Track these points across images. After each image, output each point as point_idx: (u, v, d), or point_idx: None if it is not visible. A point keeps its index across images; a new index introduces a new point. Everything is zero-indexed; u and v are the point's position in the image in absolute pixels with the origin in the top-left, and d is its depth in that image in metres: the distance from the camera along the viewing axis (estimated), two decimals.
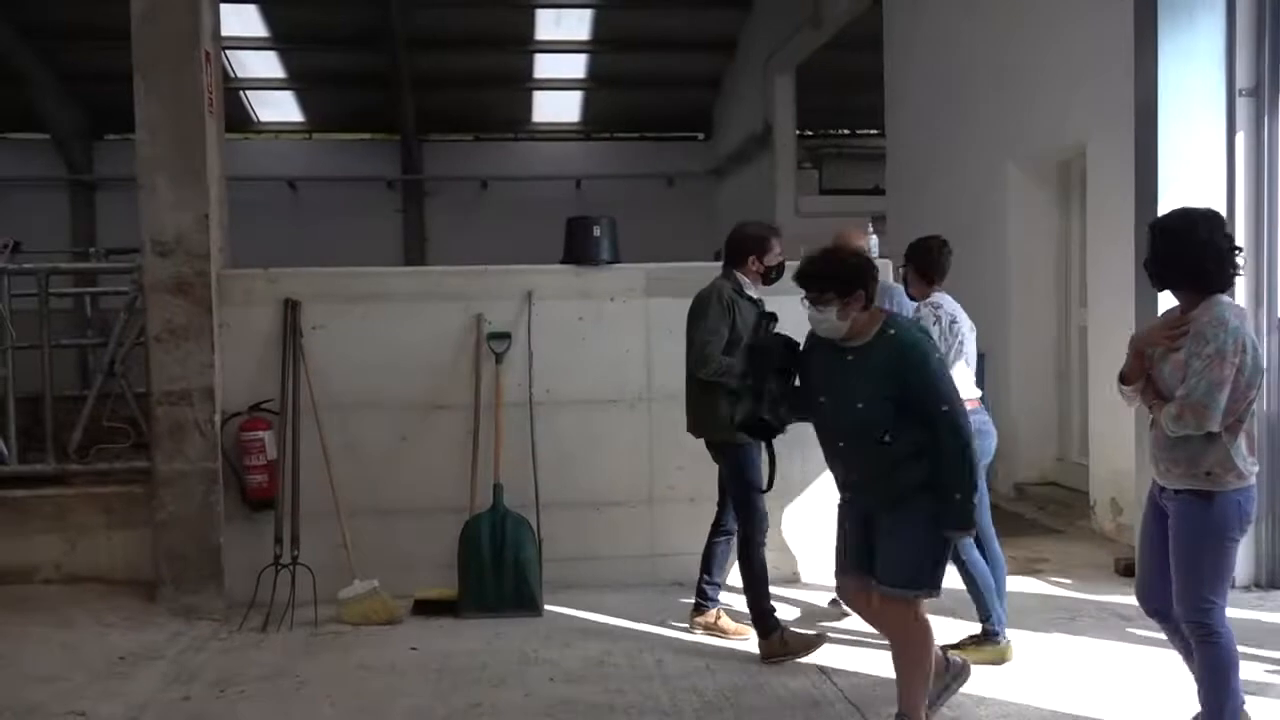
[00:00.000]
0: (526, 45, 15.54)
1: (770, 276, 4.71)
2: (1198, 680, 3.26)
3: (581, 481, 5.59)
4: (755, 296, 4.65)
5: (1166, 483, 3.23)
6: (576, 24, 14.94)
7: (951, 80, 8.93)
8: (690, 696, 4.11)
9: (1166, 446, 3.18)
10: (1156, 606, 3.36)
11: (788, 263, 4.54)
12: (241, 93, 15.74)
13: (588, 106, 17.43)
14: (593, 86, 16.84)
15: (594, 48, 15.62)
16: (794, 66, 13.89)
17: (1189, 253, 3.16)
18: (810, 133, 16.08)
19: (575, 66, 16.32)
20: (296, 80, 15.96)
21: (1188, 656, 3.33)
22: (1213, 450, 3.10)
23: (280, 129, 17.09)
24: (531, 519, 5.28)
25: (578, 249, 5.75)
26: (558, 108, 17.40)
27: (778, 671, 4.35)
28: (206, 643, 4.85)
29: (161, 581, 5.28)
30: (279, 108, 16.61)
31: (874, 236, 6.08)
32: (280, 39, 14.50)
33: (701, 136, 18.03)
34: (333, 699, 4.16)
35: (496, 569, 5.18)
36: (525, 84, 16.72)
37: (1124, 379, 3.34)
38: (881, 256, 5.86)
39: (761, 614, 4.52)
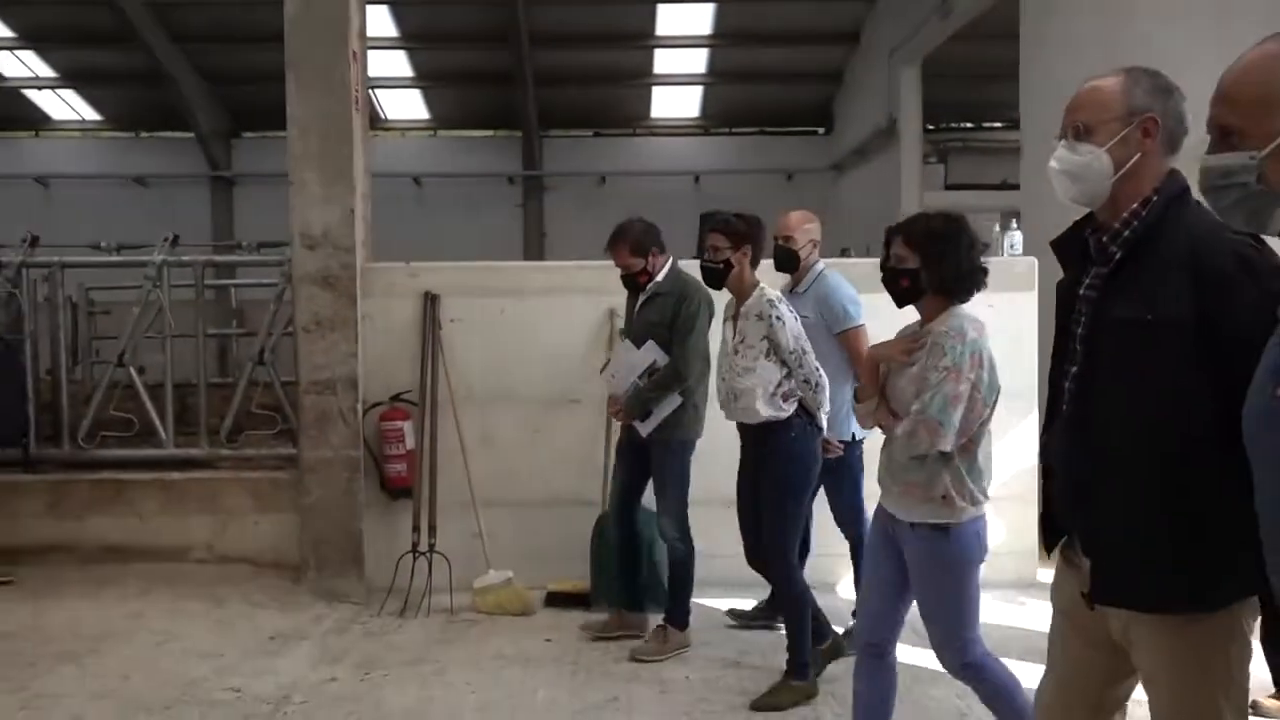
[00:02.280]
0: (647, 41, 15.55)
1: (625, 284, 4.71)
2: (994, 712, 3.03)
3: (712, 478, 5.52)
4: (638, 298, 4.69)
5: (899, 513, 2.93)
6: (698, 18, 14.89)
7: (1093, 72, 8.54)
8: (829, 701, 4.03)
9: (900, 470, 2.91)
10: (879, 640, 3.06)
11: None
12: (371, 91, 16.20)
13: (707, 101, 17.35)
14: (713, 81, 16.75)
15: (715, 42, 15.53)
16: (920, 58, 13.55)
17: (951, 259, 2.85)
18: (934, 126, 15.67)
19: (696, 61, 16.26)
20: (423, 79, 16.33)
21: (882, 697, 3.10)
22: (946, 472, 2.82)
23: (407, 127, 17.53)
24: None
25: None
26: (677, 103, 17.39)
27: (921, 680, 4.23)
28: (349, 625, 4.99)
29: (305, 565, 5.46)
30: (406, 106, 17.03)
31: (1017, 234, 5.88)
32: (409, 38, 14.85)
33: (822, 131, 17.75)
34: (473, 686, 4.22)
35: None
36: (645, 80, 16.74)
37: (857, 396, 3.13)
38: (1025, 254, 5.67)
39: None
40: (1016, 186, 11.71)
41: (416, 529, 5.31)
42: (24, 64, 15.76)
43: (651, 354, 4.56)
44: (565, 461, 5.50)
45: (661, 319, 4.55)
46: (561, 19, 14.74)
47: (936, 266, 2.85)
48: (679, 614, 4.61)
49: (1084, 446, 2.06)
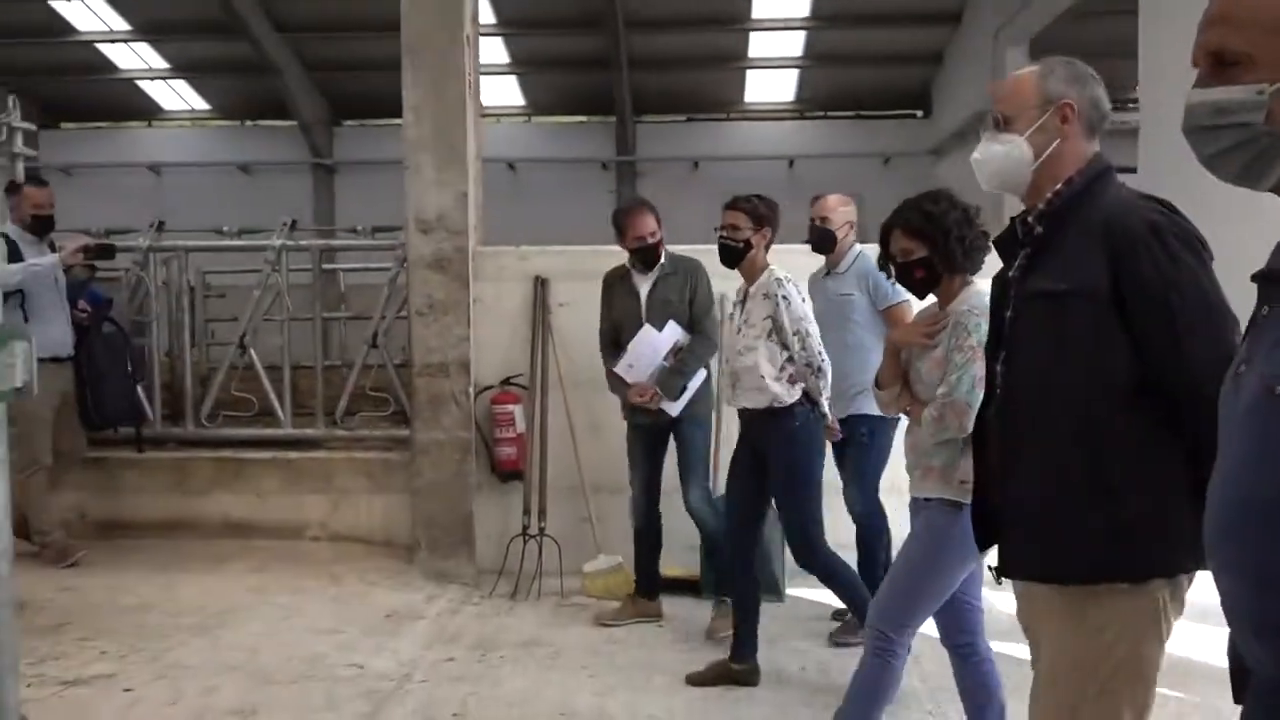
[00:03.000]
0: (743, 23, 15.38)
1: (637, 260, 4.68)
2: (850, 695, 2.97)
3: None
4: (645, 280, 4.69)
5: (919, 491, 2.88)
6: (795, 1, 14.67)
7: None
8: (947, 696, 3.92)
9: (924, 452, 2.85)
10: (963, 642, 3.02)
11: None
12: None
13: (803, 85, 17.10)
14: (809, 64, 16.49)
15: (812, 24, 15.29)
16: (1028, 38, 13.11)
17: (955, 234, 2.79)
18: None
19: (791, 44, 16.03)
20: (519, 65, 16.43)
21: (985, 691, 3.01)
22: (968, 456, 2.59)
23: (502, 113, 17.67)
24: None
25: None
26: (771, 87, 17.18)
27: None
28: (461, 606, 5.05)
29: (417, 545, 5.53)
30: (502, 92, 17.16)
31: None
32: (506, 24, 14.95)
33: (920, 114, 17.36)
34: (589, 670, 4.22)
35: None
36: (739, 63, 16.58)
37: (878, 383, 3.02)
38: None
39: None
40: (1130, 169, 11.33)
41: (527, 512, 5.34)
42: (139, 56, 16.32)
43: (675, 333, 4.59)
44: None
45: (680, 297, 4.62)
46: (657, 3, 14.67)
47: (945, 247, 2.81)
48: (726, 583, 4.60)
49: (1007, 422, 2.09)
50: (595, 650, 4.45)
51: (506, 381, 5.55)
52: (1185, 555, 1.89)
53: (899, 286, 4.25)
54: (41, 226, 5.43)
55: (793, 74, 16.92)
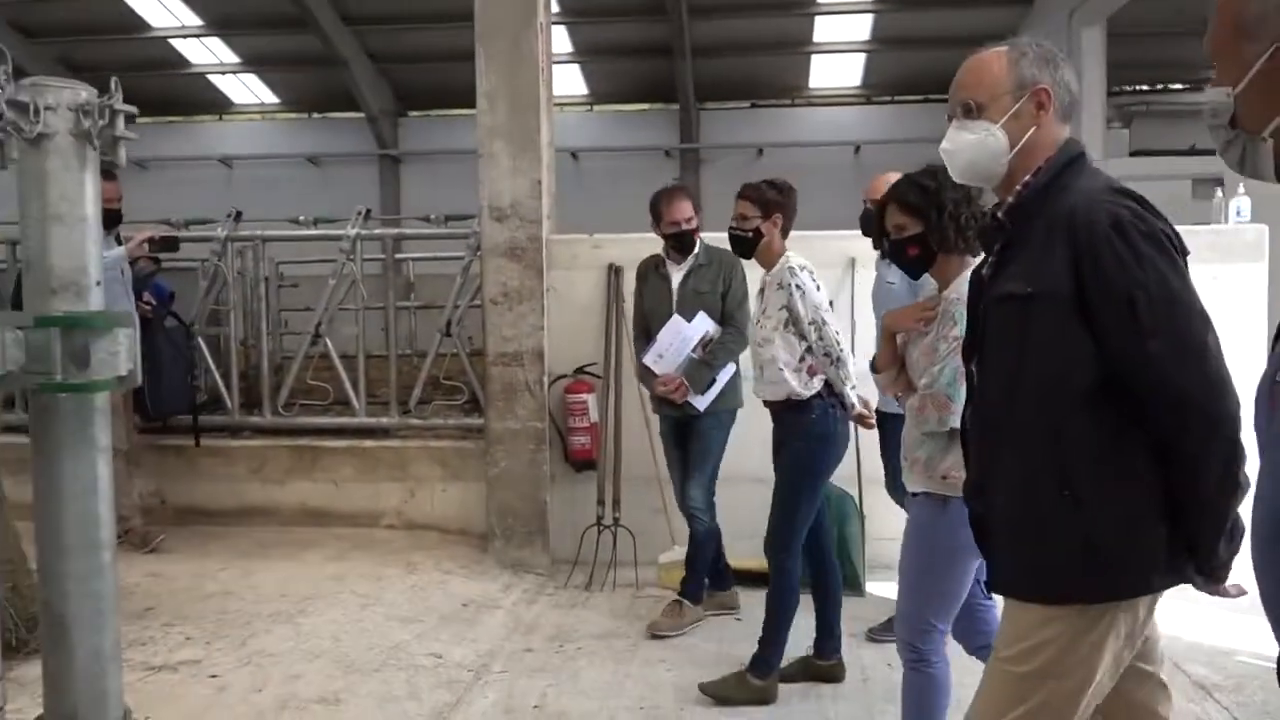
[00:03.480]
0: (808, 8, 15.16)
1: (671, 246, 4.59)
2: (902, 713, 2.83)
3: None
4: (678, 270, 4.59)
5: (908, 484, 2.77)
6: None
7: None
8: None
9: (911, 444, 2.74)
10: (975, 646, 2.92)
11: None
12: None
13: (870, 69, 16.81)
14: (876, 48, 16.21)
15: (879, 6, 15.02)
16: (1104, 17, 12.73)
17: (951, 210, 2.66)
18: (1116, 89, 14.73)
19: (858, 28, 15.77)
20: (582, 54, 16.39)
21: None
22: (953, 451, 2.53)
23: (565, 102, 17.65)
24: (854, 494, 5.09)
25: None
26: (837, 71, 16.92)
27: None
28: (536, 596, 5.03)
29: (492, 534, 5.53)
30: (565, 81, 17.14)
31: (1244, 199, 5.42)
32: (569, 14, 14.91)
33: None
34: (667, 664, 4.17)
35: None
36: (805, 48, 16.35)
37: (874, 366, 2.90)
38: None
39: None
40: (1209, 152, 10.94)
41: (601, 502, 5.30)
42: (210, 51, 16.60)
43: (705, 325, 4.49)
44: (750, 437, 5.36)
45: (713, 288, 4.51)
46: None
47: (938, 223, 2.68)
48: (696, 589, 4.61)
49: (979, 427, 2.04)
50: (673, 644, 4.40)
51: (580, 370, 5.51)
52: (1152, 575, 1.85)
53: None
54: (109, 219, 5.50)
55: (859, 58, 16.65)
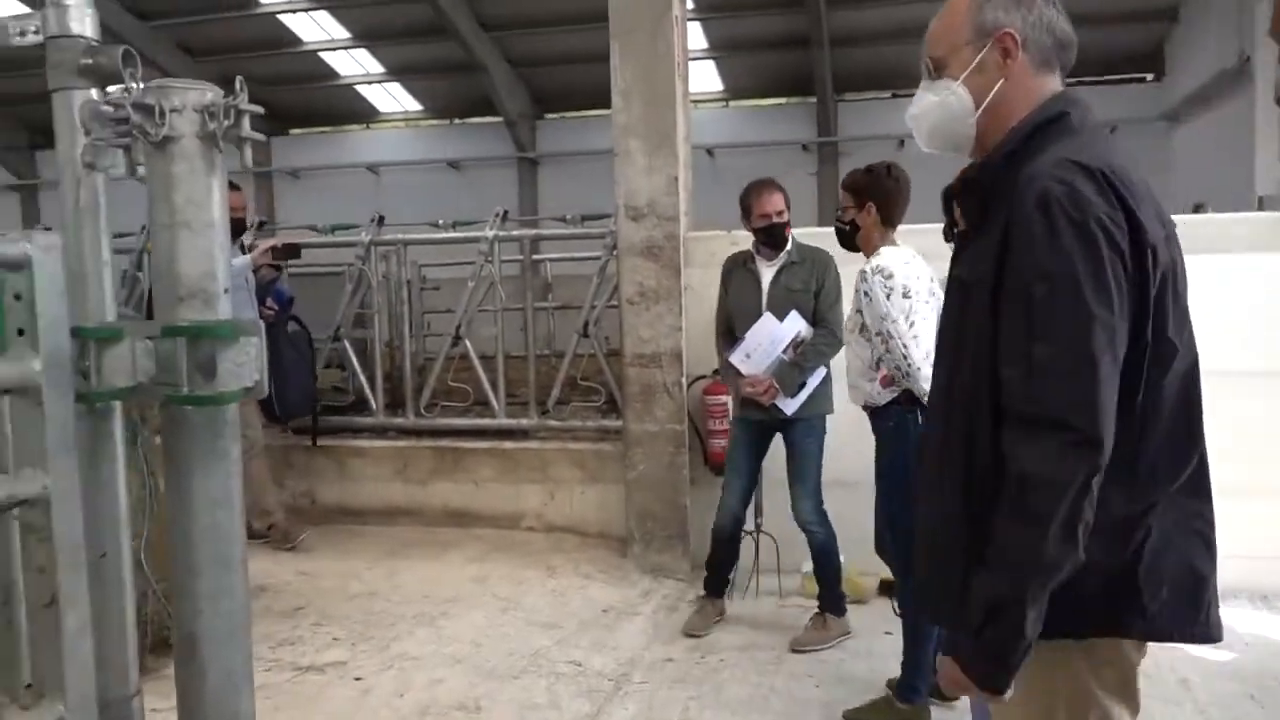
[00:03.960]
0: None
1: (761, 241, 4.38)
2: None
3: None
4: (769, 266, 4.36)
5: None
6: None
7: None
8: None
9: None
10: None
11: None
12: None
13: None
14: None
15: None
16: None
17: None
18: None
19: None
20: (716, 49, 16.23)
21: None
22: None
23: (700, 99, 17.52)
24: None
25: None
26: None
27: None
28: (677, 603, 4.90)
29: (631, 538, 5.43)
30: (700, 78, 17.01)
31: None
32: (704, 9, 14.77)
33: (1150, 77, 15.97)
34: (814, 679, 3.98)
35: None
36: None
37: None
38: None
39: None
40: None
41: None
42: (357, 62, 17.20)
43: (796, 324, 4.28)
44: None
45: (806, 286, 4.30)
46: None
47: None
48: (834, 599, 4.39)
49: (925, 431, 1.85)
50: (820, 658, 4.20)
51: (719, 371, 5.35)
52: (1081, 616, 1.55)
53: None
54: (234, 228, 5.67)
55: None
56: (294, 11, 15.61)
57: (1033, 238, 1.50)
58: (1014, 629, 1.48)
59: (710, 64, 16.82)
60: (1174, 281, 1.57)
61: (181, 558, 1.54)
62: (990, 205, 1.62)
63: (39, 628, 1.43)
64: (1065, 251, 1.47)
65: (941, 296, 3.33)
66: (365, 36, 16.39)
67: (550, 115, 18.06)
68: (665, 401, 5.36)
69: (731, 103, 17.72)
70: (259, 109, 1.52)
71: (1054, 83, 1.69)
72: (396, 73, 17.59)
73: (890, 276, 3.47)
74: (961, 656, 1.55)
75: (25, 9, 12.02)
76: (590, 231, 6.44)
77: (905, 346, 3.43)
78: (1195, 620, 1.60)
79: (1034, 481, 1.46)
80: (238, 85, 1.49)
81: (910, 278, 3.49)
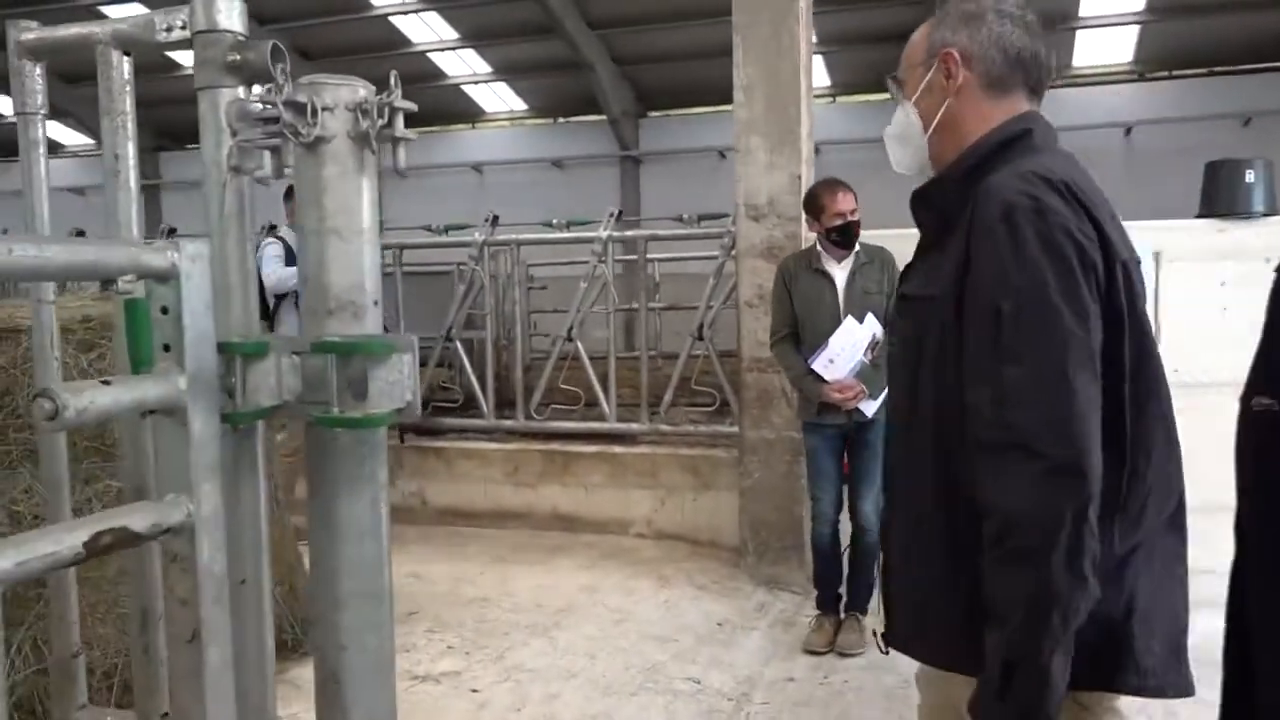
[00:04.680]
0: None
1: (833, 240, 4.25)
2: None
3: (1208, 481, 4.63)
4: (840, 267, 4.28)
5: None
6: None
7: None
8: None
9: None
10: None
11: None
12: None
13: (1143, 42, 15.34)
14: (1152, 19, 14.76)
15: None
16: None
17: None
18: None
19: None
20: (825, 43, 15.90)
21: None
22: None
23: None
24: None
25: (1223, 199, 4.78)
26: (1106, 47, 15.55)
27: None
28: (794, 618, 4.72)
29: (744, 548, 5.26)
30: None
31: None
32: (816, 3, 14.46)
33: None
34: None
35: None
36: (1068, 24, 15.12)
37: None
38: None
39: None
40: None
41: None
42: (464, 62, 17.36)
43: (873, 326, 4.18)
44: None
45: (879, 288, 4.21)
46: None
47: None
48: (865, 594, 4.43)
49: (886, 452, 1.79)
50: None
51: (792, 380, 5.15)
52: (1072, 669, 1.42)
53: None
54: None
55: (1132, 31, 15.22)
56: (405, 13, 15.82)
57: (997, 251, 1.41)
58: (1039, 683, 1.35)
59: (819, 59, 16.48)
60: (1142, 302, 1.52)
61: (325, 591, 1.44)
62: (950, 221, 1.55)
63: (180, 661, 1.34)
64: (1032, 264, 1.39)
65: None
66: (473, 37, 16.52)
67: (653, 113, 17.95)
68: (783, 408, 5.17)
69: (839, 98, 17.33)
70: (412, 105, 1.41)
71: (1016, 102, 1.62)
72: (502, 72, 17.70)
73: None
74: (990, 717, 1.42)
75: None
76: (708, 231, 6.28)
77: None
78: (1180, 673, 1.52)
79: (1014, 519, 1.35)
80: (391, 81, 1.39)
81: None
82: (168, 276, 1.28)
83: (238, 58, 1.47)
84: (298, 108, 1.35)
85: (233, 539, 1.44)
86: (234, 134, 1.46)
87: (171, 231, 9.35)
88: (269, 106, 1.37)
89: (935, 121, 1.63)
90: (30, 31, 1.63)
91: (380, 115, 1.38)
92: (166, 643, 1.36)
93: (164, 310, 1.29)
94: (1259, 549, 1.09)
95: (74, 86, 16.22)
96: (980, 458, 1.39)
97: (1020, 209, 1.41)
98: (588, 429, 6.17)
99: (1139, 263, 1.53)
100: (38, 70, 1.65)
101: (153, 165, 20.28)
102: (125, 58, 1.58)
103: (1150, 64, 15.76)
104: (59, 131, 19.92)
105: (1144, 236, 4.75)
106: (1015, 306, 1.38)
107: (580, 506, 5.89)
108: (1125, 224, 4.41)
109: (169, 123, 17.70)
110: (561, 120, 18.65)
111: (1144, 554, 1.48)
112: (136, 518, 1.23)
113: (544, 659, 4.11)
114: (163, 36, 1.52)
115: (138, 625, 1.58)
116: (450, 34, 16.48)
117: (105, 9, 15.11)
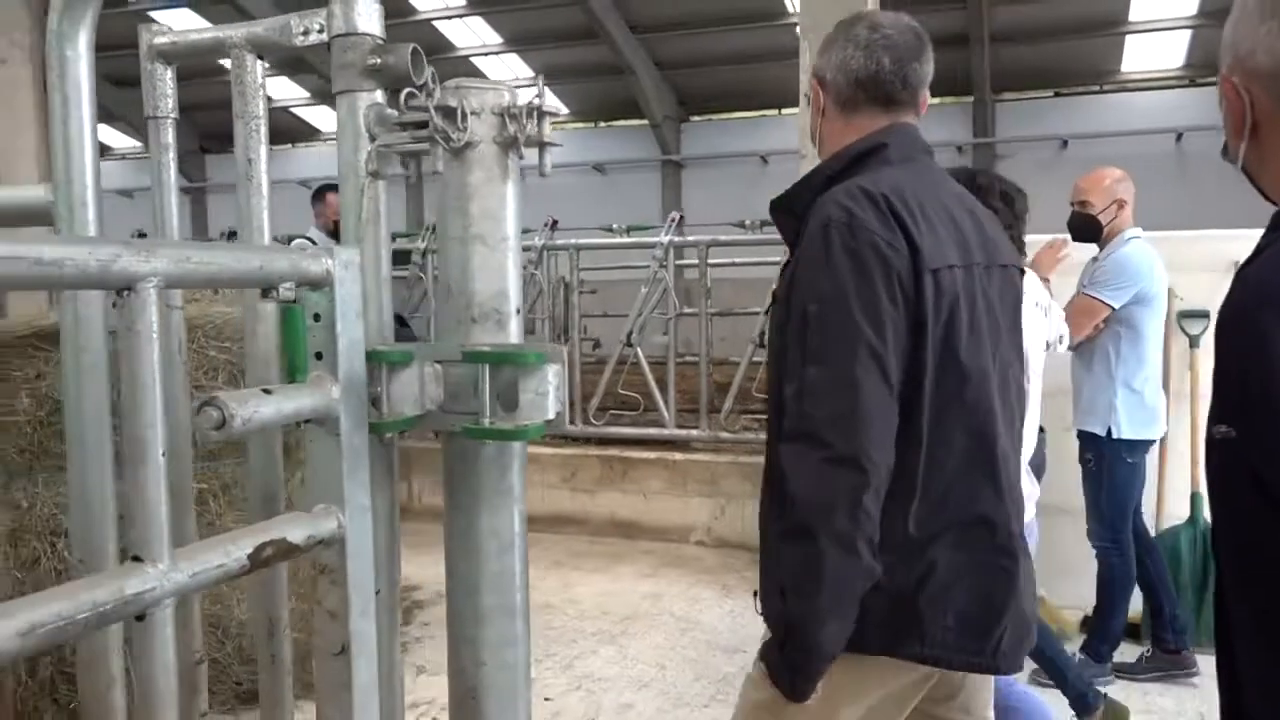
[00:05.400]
0: None
1: None
2: None
3: None
4: None
5: None
6: None
7: None
8: None
9: None
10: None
11: None
12: None
13: (1195, 47, 15.09)
14: (1204, 23, 14.50)
15: None
16: None
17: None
18: None
19: (1183, 3, 14.18)
20: None
21: None
22: None
23: None
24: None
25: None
26: (1156, 52, 15.32)
27: None
28: None
29: None
30: None
31: None
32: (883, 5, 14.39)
33: None
34: None
35: (1194, 592, 4.35)
36: (1118, 29, 14.92)
37: None
38: None
39: None
40: None
41: None
42: (507, 66, 17.41)
43: None
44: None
45: None
46: None
47: None
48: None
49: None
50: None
51: None
52: (866, 632, 1.54)
53: (1100, 277, 3.87)
54: (338, 234, 5.64)
55: (1184, 35, 14.98)
56: (449, 18, 15.89)
57: (812, 259, 1.54)
58: (810, 646, 1.50)
59: None
60: (970, 309, 1.58)
61: (464, 606, 1.41)
62: (802, 229, 1.65)
63: (327, 674, 1.32)
64: (837, 273, 1.51)
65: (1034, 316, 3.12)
66: (516, 41, 16.57)
67: (695, 118, 17.92)
68: None
69: None
70: (563, 109, 1.37)
71: (871, 119, 1.72)
72: (545, 77, 17.72)
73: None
74: (770, 668, 1.57)
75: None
76: (768, 238, 6.23)
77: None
78: (980, 651, 1.60)
79: (795, 499, 1.48)
80: (539, 83, 1.36)
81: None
82: (321, 283, 1.26)
83: (378, 61, 1.44)
84: (449, 113, 1.33)
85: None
86: (373, 139, 1.44)
87: (232, 234, 9.42)
88: (420, 110, 1.34)
89: (818, 137, 1.80)
90: (163, 35, 1.61)
91: (529, 118, 1.35)
92: (313, 655, 1.33)
93: (316, 317, 1.27)
94: (1220, 568, 1.14)
95: (122, 89, 16.43)
96: (785, 444, 1.52)
97: (835, 222, 1.53)
98: (647, 436, 6.13)
99: (971, 268, 1.60)
100: (169, 74, 1.64)
101: (199, 167, 20.52)
102: (259, 62, 1.56)
103: (1202, 69, 15.50)
104: (108, 134, 20.20)
105: (1223, 246, 4.70)
106: (820, 311, 1.51)
107: (639, 513, 5.85)
108: (1192, 233, 4.35)
109: (216, 126, 17.89)
110: (603, 124, 18.65)
111: (947, 542, 1.57)
112: (293, 529, 1.20)
113: (614, 668, 4.07)
114: (299, 40, 1.50)
115: (264, 634, 1.56)
116: (494, 38, 16.54)
117: (154, 14, 15.29)
